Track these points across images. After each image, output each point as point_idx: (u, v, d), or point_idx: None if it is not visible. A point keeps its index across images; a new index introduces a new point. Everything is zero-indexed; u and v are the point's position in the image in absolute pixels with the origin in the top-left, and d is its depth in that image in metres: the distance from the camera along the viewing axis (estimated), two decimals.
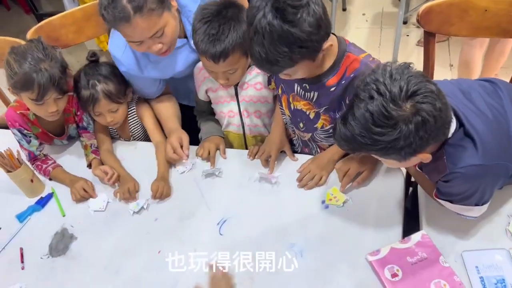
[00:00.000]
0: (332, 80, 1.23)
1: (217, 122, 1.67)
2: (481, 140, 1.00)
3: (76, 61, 3.44)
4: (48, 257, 1.36)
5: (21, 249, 1.39)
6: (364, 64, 1.20)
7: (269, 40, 1.02)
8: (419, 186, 1.33)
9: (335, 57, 1.21)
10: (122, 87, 1.56)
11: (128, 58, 1.51)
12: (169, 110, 1.67)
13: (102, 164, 1.58)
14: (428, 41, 1.82)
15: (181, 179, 1.52)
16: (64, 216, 1.47)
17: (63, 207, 1.49)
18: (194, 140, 1.63)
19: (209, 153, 1.53)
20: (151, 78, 1.60)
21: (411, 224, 1.30)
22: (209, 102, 1.64)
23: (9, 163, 1.46)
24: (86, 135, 1.62)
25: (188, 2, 1.44)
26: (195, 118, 1.74)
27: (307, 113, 1.36)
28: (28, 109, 1.51)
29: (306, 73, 1.19)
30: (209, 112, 1.68)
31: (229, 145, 1.69)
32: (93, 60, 1.56)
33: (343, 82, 1.23)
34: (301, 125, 1.43)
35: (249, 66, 1.46)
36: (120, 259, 1.32)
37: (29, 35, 1.92)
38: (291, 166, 1.47)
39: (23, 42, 1.83)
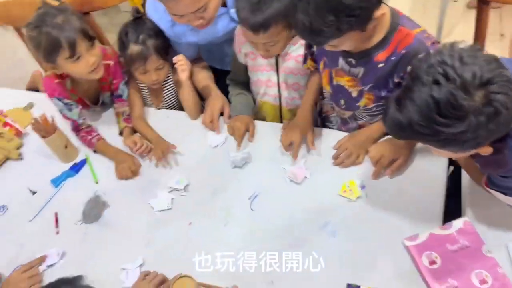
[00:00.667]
0: (381, 56, 1.15)
1: (249, 97, 1.61)
2: None
3: (110, 23, 3.43)
4: (82, 223, 1.37)
5: (56, 214, 1.41)
6: (418, 40, 1.11)
7: (314, 8, 0.95)
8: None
9: (386, 30, 1.11)
10: (167, 43, 1.54)
11: (167, 23, 1.48)
12: (205, 75, 1.65)
13: (134, 131, 1.58)
14: (482, 9, 1.68)
15: (214, 152, 1.49)
16: (97, 183, 1.48)
17: (96, 173, 1.50)
18: None
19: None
20: (188, 43, 1.57)
21: (450, 205, 1.23)
22: (246, 69, 1.57)
23: (44, 128, 1.46)
24: (119, 103, 1.61)
25: None
26: (226, 83, 1.69)
27: (349, 90, 1.29)
28: (64, 77, 1.50)
29: (354, 44, 1.11)
30: (244, 83, 1.62)
31: (263, 116, 1.65)
32: (138, 16, 1.51)
33: (393, 58, 1.14)
34: (342, 102, 1.36)
35: (294, 36, 1.38)
36: (152, 230, 1.32)
37: None
38: (328, 142, 1.42)
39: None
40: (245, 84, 1.63)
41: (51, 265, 1.29)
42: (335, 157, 1.35)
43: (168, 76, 1.64)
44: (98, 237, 1.33)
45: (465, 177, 1.24)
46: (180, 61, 1.46)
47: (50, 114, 1.51)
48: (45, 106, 1.71)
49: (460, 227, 1.12)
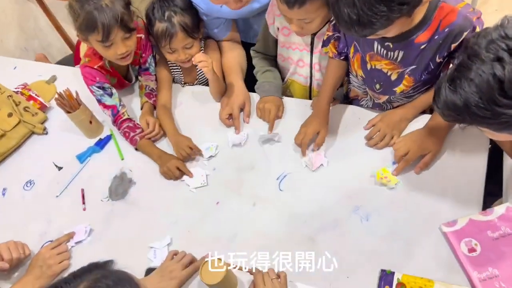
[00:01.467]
0: (422, 36, 1.07)
1: (278, 75, 1.52)
2: None
3: None
4: (108, 200, 1.36)
5: (82, 190, 1.40)
6: (462, 16, 1.02)
7: (363, 0, 0.86)
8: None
9: (426, 8, 1.02)
10: (196, 20, 1.46)
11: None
12: (236, 59, 1.57)
13: (155, 109, 1.55)
14: None
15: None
16: (122, 159, 1.46)
17: (122, 150, 1.48)
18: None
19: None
20: (220, 20, 1.51)
21: (489, 187, 1.17)
22: (276, 43, 1.49)
23: (68, 103, 1.44)
24: (145, 76, 1.57)
25: None
26: (249, 54, 1.60)
27: (388, 73, 1.21)
28: (101, 59, 1.45)
29: (399, 31, 1.02)
30: (272, 56, 1.54)
31: (290, 94, 1.58)
32: None
33: (436, 37, 1.06)
34: (377, 86, 1.28)
35: None
36: (179, 209, 1.30)
37: None
38: (361, 122, 1.36)
39: None
40: (273, 58, 1.54)
41: (79, 242, 1.29)
42: (369, 138, 1.30)
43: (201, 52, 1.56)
44: (125, 215, 1.32)
45: (506, 158, 1.18)
46: (201, 62, 1.37)
47: (74, 89, 1.48)
48: (68, 79, 1.70)
49: (502, 213, 1.07)
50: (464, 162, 1.20)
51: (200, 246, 1.19)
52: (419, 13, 1.03)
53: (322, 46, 1.32)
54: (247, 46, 1.64)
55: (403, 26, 1.01)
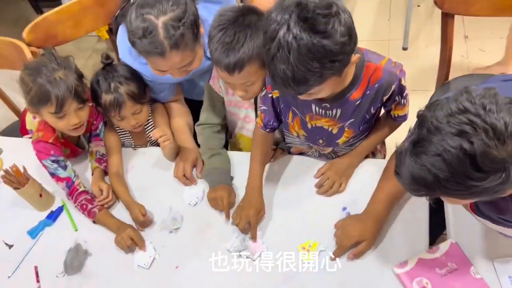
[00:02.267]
0: (356, 94, 1.15)
1: (225, 158, 1.49)
2: None
3: (76, 48, 3.36)
4: (64, 275, 1.32)
5: (36, 267, 1.35)
6: (387, 72, 1.12)
7: (297, 56, 0.90)
8: None
9: (353, 69, 1.11)
10: (142, 85, 1.49)
11: (141, 65, 1.44)
12: (184, 120, 1.62)
13: (106, 174, 1.54)
14: (446, 22, 1.72)
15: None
16: (76, 230, 1.43)
17: (74, 221, 1.45)
18: None
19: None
20: (165, 83, 1.55)
21: (435, 220, 1.24)
22: (223, 106, 1.53)
23: (16, 180, 1.41)
24: (96, 142, 1.57)
25: (208, 17, 1.30)
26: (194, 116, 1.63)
27: (329, 129, 1.28)
28: (54, 132, 1.45)
29: (331, 90, 1.09)
30: (218, 124, 1.55)
31: (239, 148, 1.62)
32: (109, 63, 1.47)
33: (368, 92, 1.14)
34: (321, 141, 1.35)
35: None
36: (138, 275, 1.29)
37: (25, 34, 1.86)
38: (309, 171, 1.41)
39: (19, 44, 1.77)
40: (220, 126, 1.56)
41: None
42: (319, 186, 1.35)
43: (149, 117, 1.60)
44: None
45: None
46: (162, 137, 1.41)
47: (20, 161, 1.45)
48: (14, 151, 1.67)
49: (447, 250, 1.14)
50: (408, 202, 1.27)
51: None
52: (349, 74, 1.10)
53: (256, 117, 1.39)
54: (191, 103, 1.70)
55: (334, 86, 1.07)
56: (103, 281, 1.30)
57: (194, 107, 1.65)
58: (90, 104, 1.47)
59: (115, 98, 1.42)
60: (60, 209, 1.49)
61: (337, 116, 1.22)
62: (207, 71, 1.50)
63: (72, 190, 1.44)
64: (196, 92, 1.70)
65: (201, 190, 1.45)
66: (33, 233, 1.44)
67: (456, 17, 1.71)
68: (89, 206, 1.41)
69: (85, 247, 1.37)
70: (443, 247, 1.14)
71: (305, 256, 1.19)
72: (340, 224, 1.24)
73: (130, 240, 1.32)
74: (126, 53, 1.44)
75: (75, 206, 1.45)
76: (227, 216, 1.35)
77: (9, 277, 1.35)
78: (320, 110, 1.21)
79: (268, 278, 1.21)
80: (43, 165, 1.44)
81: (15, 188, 1.41)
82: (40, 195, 1.46)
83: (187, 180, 1.46)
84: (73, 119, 1.36)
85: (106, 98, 1.42)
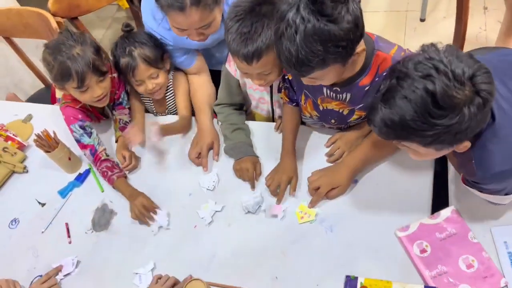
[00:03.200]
0: (365, 80, 1.19)
1: (247, 131, 1.54)
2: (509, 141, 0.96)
3: (97, 17, 3.41)
4: (92, 231, 1.45)
5: (67, 224, 1.48)
6: (395, 61, 1.15)
7: (302, 37, 0.94)
8: None
9: (363, 58, 1.15)
10: (159, 51, 1.54)
11: (164, 30, 1.49)
12: (205, 99, 1.63)
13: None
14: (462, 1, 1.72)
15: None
16: (103, 191, 1.54)
17: (101, 183, 1.56)
18: None
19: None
20: (186, 50, 1.60)
21: (438, 187, 1.31)
22: (239, 88, 1.56)
23: (47, 143, 1.51)
24: (119, 110, 1.65)
25: None
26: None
27: (340, 111, 1.33)
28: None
29: (333, 79, 1.13)
30: (237, 106, 1.59)
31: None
32: (128, 30, 1.54)
33: (376, 79, 1.18)
34: (333, 121, 1.40)
35: None
36: (160, 233, 1.40)
37: (50, 4, 1.94)
38: (320, 141, 1.48)
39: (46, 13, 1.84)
40: (238, 106, 1.60)
41: (67, 274, 1.36)
42: (329, 155, 1.42)
43: (169, 84, 1.67)
44: (109, 244, 1.41)
45: (451, 166, 1.32)
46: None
47: (50, 127, 1.57)
48: (44, 117, 1.77)
49: (448, 216, 1.21)
50: (413, 172, 1.33)
51: (182, 268, 1.29)
52: (359, 62, 1.15)
53: (278, 92, 1.44)
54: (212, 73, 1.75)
55: (338, 75, 1.11)
56: (127, 238, 1.41)
57: (212, 77, 1.70)
58: (111, 75, 1.54)
59: (128, 61, 1.50)
60: (87, 172, 1.60)
61: (347, 100, 1.27)
62: (223, 40, 1.55)
63: (96, 157, 1.54)
64: (213, 62, 1.76)
65: (215, 174, 1.49)
66: (63, 193, 1.56)
67: None
68: (109, 173, 1.51)
69: (111, 207, 1.48)
70: (445, 213, 1.21)
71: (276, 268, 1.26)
72: (316, 173, 1.35)
73: (142, 207, 1.42)
74: (150, 18, 1.50)
75: (98, 171, 1.55)
76: (253, 187, 1.41)
77: (42, 232, 1.48)
78: (331, 93, 1.27)
79: (276, 236, 1.31)
80: (71, 129, 1.54)
81: (46, 152, 1.52)
82: (69, 159, 1.57)
83: (202, 161, 1.51)
84: (96, 91, 1.44)
85: (122, 62, 1.51)
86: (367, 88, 1.21)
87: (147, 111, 1.74)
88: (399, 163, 1.36)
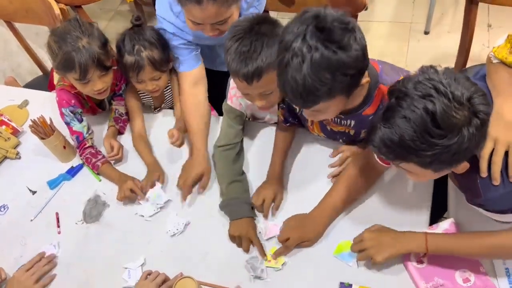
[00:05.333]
0: (369, 110, 1.18)
1: (246, 185, 1.41)
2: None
3: (99, 8, 3.39)
4: (83, 223, 1.41)
5: (57, 213, 1.45)
6: None
7: (310, 66, 0.92)
8: None
9: (366, 90, 1.14)
10: (166, 54, 1.50)
11: (182, 23, 1.44)
12: (203, 120, 1.50)
13: (119, 134, 1.63)
14: (470, 9, 1.73)
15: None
16: (100, 181, 1.51)
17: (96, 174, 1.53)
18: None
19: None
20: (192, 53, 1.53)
21: (437, 198, 1.29)
22: (241, 128, 1.48)
23: (43, 130, 1.48)
24: (117, 101, 1.62)
25: None
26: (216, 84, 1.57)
27: (347, 131, 1.32)
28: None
29: (336, 112, 1.12)
30: (237, 144, 1.46)
31: None
32: (138, 24, 1.49)
33: (380, 107, 1.17)
34: (341, 140, 1.40)
35: None
36: (152, 229, 1.37)
37: None
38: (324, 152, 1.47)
39: None
40: (239, 144, 1.47)
41: (55, 256, 1.35)
42: (332, 166, 1.40)
43: (169, 83, 1.64)
44: (99, 237, 1.38)
45: (450, 176, 1.30)
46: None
47: (46, 113, 1.54)
48: (40, 104, 1.74)
49: (447, 228, 1.19)
50: (413, 183, 1.31)
51: (173, 265, 1.26)
52: (362, 93, 1.14)
53: (285, 123, 1.43)
54: (213, 74, 1.68)
55: (341, 107, 1.10)
56: (119, 231, 1.38)
57: (216, 78, 1.64)
58: (115, 67, 1.52)
59: (136, 60, 1.44)
60: (80, 166, 1.57)
61: (352, 125, 1.27)
62: None
63: (80, 144, 1.53)
64: (217, 63, 1.74)
65: (185, 221, 1.36)
66: (52, 184, 1.52)
67: (481, 5, 1.71)
68: (93, 159, 1.50)
69: (104, 199, 1.45)
70: (443, 225, 1.19)
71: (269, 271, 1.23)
72: (288, 223, 1.28)
73: (130, 191, 1.40)
74: (167, 9, 1.44)
75: (81, 159, 1.54)
76: (246, 251, 1.28)
77: (31, 220, 1.45)
78: (336, 119, 1.27)
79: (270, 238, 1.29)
80: (61, 113, 1.52)
81: (41, 138, 1.49)
82: (64, 147, 1.54)
83: (183, 191, 1.41)
84: (97, 85, 1.41)
85: (128, 59, 1.45)
86: (371, 117, 1.20)
87: (143, 105, 1.70)
88: (399, 173, 1.34)
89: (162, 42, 1.48)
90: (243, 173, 1.44)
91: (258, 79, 1.17)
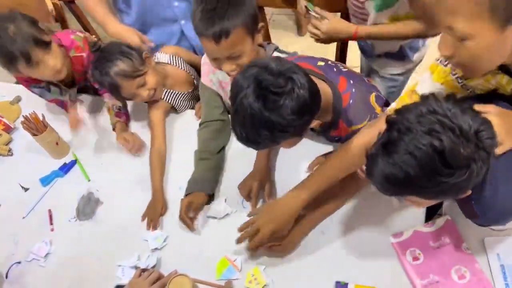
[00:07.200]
0: (335, 133, 1.24)
1: (211, 163, 1.42)
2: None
3: None
4: (76, 220, 1.40)
5: (50, 210, 1.43)
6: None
7: (250, 122, 0.96)
8: None
9: (331, 112, 1.17)
10: (136, 56, 1.43)
11: None
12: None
13: (127, 126, 1.60)
14: None
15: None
16: (89, 181, 1.49)
17: (87, 171, 1.52)
18: None
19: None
20: None
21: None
22: (221, 104, 1.50)
23: (35, 126, 1.46)
24: (105, 95, 1.60)
25: None
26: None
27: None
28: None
29: (294, 144, 1.12)
30: (218, 122, 1.48)
31: None
32: (96, 49, 1.46)
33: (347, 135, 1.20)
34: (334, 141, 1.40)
35: (260, 47, 1.34)
36: (145, 227, 1.35)
37: None
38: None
39: None
40: (221, 121, 1.48)
41: (47, 254, 1.33)
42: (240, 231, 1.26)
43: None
44: (93, 234, 1.36)
45: None
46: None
47: (38, 109, 1.52)
48: (32, 99, 1.71)
49: (442, 225, 1.19)
50: None
51: (167, 263, 1.25)
52: (327, 115, 1.19)
53: None
54: None
55: (298, 140, 1.10)
56: (112, 229, 1.37)
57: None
58: (81, 54, 1.54)
59: (109, 82, 1.41)
60: (73, 163, 1.55)
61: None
62: None
63: (65, 106, 1.62)
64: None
65: (165, 234, 1.33)
66: (45, 181, 1.51)
67: None
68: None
69: (97, 196, 1.43)
70: (439, 222, 1.19)
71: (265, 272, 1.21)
72: (256, 219, 1.21)
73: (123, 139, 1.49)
74: None
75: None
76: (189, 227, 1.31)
77: (24, 217, 1.43)
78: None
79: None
80: (32, 91, 1.58)
81: (33, 135, 1.47)
82: (57, 144, 1.52)
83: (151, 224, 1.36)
84: (49, 63, 1.41)
85: (105, 83, 1.43)
86: (337, 138, 1.26)
87: None
88: None
89: (125, 48, 1.44)
90: (219, 151, 1.45)
91: (226, 36, 1.14)
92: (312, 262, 1.21)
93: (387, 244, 1.19)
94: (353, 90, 1.19)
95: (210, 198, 1.37)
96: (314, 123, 1.09)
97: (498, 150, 0.92)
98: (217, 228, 1.31)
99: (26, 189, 1.50)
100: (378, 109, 1.22)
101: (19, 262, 1.32)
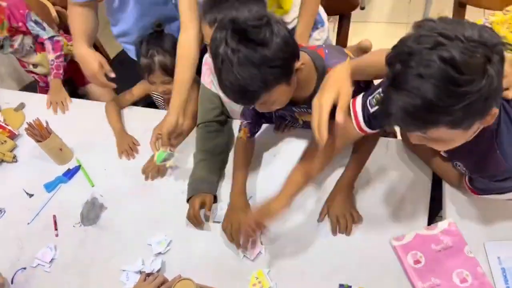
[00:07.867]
0: None
1: (212, 165, 1.42)
2: None
3: None
4: (80, 225, 1.41)
5: (54, 216, 1.44)
6: None
7: (237, 64, 0.97)
8: None
9: (315, 76, 1.17)
10: None
11: None
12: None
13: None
14: (458, 11, 1.75)
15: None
16: (93, 186, 1.51)
17: (90, 177, 1.53)
18: None
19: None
20: None
21: (431, 205, 1.29)
22: (218, 104, 1.48)
23: (39, 133, 1.48)
24: (42, 47, 1.86)
25: None
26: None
27: None
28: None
29: (285, 100, 1.13)
30: (219, 121, 1.49)
31: None
32: (158, 30, 1.55)
33: None
34: None
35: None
36: (151, 229, 1.36)
37: None
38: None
39: None
40: (217, 122, 1.48)
41: (52, 259, 1.34)
42: (334, 232, 1.27)
43: None
44: (97, 239, 1.37)
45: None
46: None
47: (42, 116, 1.54)
48: (36, 106, 1.74)
49: (445, 228, 1.19)
50: (411, 183, 1.32)
51: (171, 267, 1.26)
52: (311, 81, 1.18)
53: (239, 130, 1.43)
54: None
55: (288, 94, 1.12)
56: (117, 234, 1.38)
57: None
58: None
59: (148, 63, 1.54)
60: (77, 169, 1.56)
61: None
62: None
63: (56, 45, 1.84)
64: None
65: (169, 239, 1.33)
66: (49, 187, 1.52)
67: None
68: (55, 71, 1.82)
69: (101, 201, 1.44)
70: (442, 225, 1.20)
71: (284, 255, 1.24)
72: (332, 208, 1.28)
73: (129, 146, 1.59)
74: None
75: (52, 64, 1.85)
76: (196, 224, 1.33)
77: (28, 223, 1.44)
78: (302, 110, 1.30)
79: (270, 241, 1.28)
80: (28, 29, 1.81)
81: (38, 141, 1.49)
82: (60, 149, 1.54)
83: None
84: None
85: (142, 61, 1.55)
86: None
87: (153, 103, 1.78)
88: (397, 172, 1.35)
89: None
90: (220, 153, 1.45)
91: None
92: (315, 265, 1.21)
93: (389, 247, 1.20)
94: (322, 45, 1.23)
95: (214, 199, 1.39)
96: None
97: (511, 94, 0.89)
98: (220, 232, 1.32)
99: (30, 195, 1.51)
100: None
101: (24, 268, 1.33)
